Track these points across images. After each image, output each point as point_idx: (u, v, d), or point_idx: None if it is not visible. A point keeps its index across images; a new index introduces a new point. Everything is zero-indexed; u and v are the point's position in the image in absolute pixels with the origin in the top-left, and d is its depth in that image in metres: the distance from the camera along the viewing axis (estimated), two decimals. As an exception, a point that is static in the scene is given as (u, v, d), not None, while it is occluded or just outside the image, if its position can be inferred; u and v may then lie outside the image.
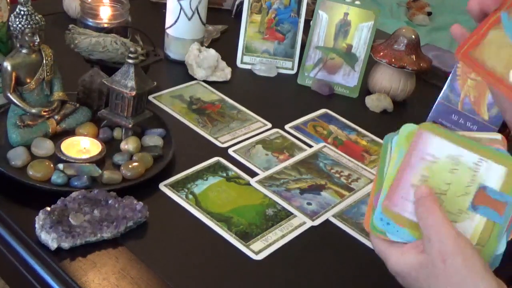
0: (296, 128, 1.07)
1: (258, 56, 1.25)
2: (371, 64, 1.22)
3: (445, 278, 0.55)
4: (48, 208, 0.73)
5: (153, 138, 0.91)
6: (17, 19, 0.84)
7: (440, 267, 0.55)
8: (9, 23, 0.85)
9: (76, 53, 1.03)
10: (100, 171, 0.82)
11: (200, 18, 1.18)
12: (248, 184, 0.90)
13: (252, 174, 0.92)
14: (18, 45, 0.86)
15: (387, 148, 0.62)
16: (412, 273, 0.58)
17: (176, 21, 1.17)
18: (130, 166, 0.83)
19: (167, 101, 1.07)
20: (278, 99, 1.18)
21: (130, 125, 0.89)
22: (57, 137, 0.87)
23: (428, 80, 1.33)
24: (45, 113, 0.87)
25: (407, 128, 0.61)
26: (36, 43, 0.85)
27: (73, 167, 0.81)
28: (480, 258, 0.56)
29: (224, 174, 0.91)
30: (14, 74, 0.85)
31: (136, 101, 0.89)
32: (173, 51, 1.20)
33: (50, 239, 0.70)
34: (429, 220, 0.57)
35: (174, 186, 0.86)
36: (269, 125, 1.06)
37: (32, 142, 0.84)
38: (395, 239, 0.60)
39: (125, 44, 1.03)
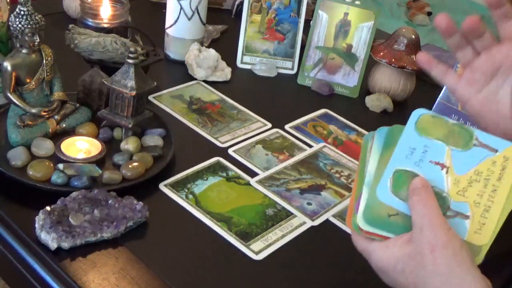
0: (296, 128, 1.07)
1: (258, 56, 1.25)
2: (371, 64, 1.22)
3: (433, 268, 0.55)
4: (48, 208, 0.73)
5: (153, 138, 0.91)
6: (17, 19, 0.84)
7: (428, 257, 0.55)
8: (9, 23, 0.85)
9: (76, 53, 1.03)
10: (100, 171, 0.82)
11: (200, 18, 1.18)
12: (248, 184, 0.90)
13: (252, 174, 0.92)
14: (18, 45, 0.86)
15: (368, 145, 0.64)
16: (398, 265, 0.57)
17: (176, 21, 1.17)
18: (130, 166, 0.83)
19: (167, 101, 1.07)
20: (278, 99, 1.18)
21: (130, 125, 0.89)
22: (57, 137, 0.87)
23: (428, 80, 1.32)
24: (45, 113, 0.87)
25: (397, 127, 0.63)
26: (36, 43, 0.85)
27: (73, 167, 0.81)
28: (468, 252, 0.56)
29: (224, 174, 0.91)
30: (14, 74, 0.85)
31: (136, 101, 0.89)
32: (173, 51, 1.20)
33: (50, 239, 0.70)
34: (423, 210, 0.57)
35: (174, 186, 0.86)
36: (269, 125, 1.06)
37: (32, 142, 0.84)
38: (386, 234, 0.60)
39: (125, 44, 1.03)
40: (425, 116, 0.63)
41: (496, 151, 0.62)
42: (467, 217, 0.59)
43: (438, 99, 1.14)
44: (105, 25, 1.13)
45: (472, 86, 0.68)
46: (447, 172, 0.61)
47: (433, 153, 0.61)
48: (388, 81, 1.20)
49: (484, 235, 0.59)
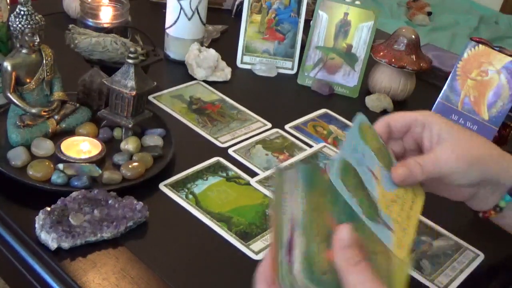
0: (296, 128, 1.07)
1: (258, 56, 1.25)
2: (371, 64, 1.22)
3: None
4: (48, 208, 0.73)
5: (153, 138, 0.91)
6: (17, 19, 0.84)
7: None
8: (9, 23, 0.85)
9: (76, 53, 1.03)
10: (100, 171, 0.82)
11: (200, 18, 1.18)
12: (248, 184, 0.90)
13: (252, 174, 0.92)
14: (18, 45, 0.86)
15: (286, 180, 0.54)
16: None
17: (176, 21, 1.17)
18: (130, 166, 0.83)
19: (167, 101, 1.07)
20: (278, 99, 1.18)
21: (130, 125, 0.89)
22: (57, 137, 0.87)
23: (428, 80, 1.33)
24: (45, 113, 0.87)
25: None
26: (36, 43, 0.85)
27: (73, 167, 0.81)
28: None
29: (224, 174, 0.91)
30: (14, 74, 0.85)
31: (136, 101, 0.89)
32: (173, 51, 1.20)
33: (50, 239, 0.70)
34: (360, 277, 0.48)
35: (174, 186, 0.86)
36: (269, 125, 1.06)
37: (32, 142, 0.84)
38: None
39: (125, 44, 1.03)
40: (365, 124, 0.64)
41: None
42: (391, 229, 0.58)
43: (438, 99, 1.14)
44: (105, 25, 1.13)
45: None
46: (377, 182, 0.60)
47: (368, 160, 0.61)
48: (388, 81, 1.20)
49: (404, 253, 0.57)
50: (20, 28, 0.83)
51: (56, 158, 0.83)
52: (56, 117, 0.89)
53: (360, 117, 0.64)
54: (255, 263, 0.76)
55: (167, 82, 1.13)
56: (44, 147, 0.84)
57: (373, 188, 0.59)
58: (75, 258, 0.71)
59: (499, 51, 1.08)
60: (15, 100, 0.86)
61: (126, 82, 0.87)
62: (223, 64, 1.18)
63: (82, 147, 0.86)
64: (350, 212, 0.56)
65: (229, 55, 1.22)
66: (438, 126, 0.66)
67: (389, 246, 0.56)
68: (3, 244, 0.75)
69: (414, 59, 1.17)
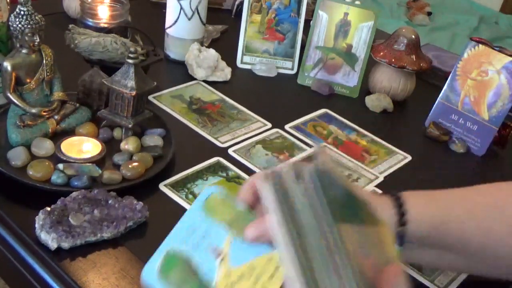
0: (296, 128, 1.07)
1: (258, 56, 1.25)
2: (371, 64, 1.22)
3: None
4: (48, 208, 0.73)
5: (153, 138, 0.91)
6: (17, 19, 0.84)
7: None
8: (9, 23, 0.85)
9: (76, 53, 1.03)
10: (100, 171, 0.82)
11: (200, 18, 1.18)
12: (248, 184, 0.89)
13: (252, 174, 0.92)
14: (18, 45, 0.86)
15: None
16: None
17: (176, 21, 1.17)
18: (130, 166, 0.83)
19: (167, 101, 1.07)
20: (278, 99, 1.18)
21: (130, 125, 0.89)
22: (57, 137, 0.87)
23: (428, 80, 1.33)
24: (45, 113, 0.87)
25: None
26: (36, 43, 0.85)
27: (73, 167, 0.81)
28: None
29: (224, 174, 0.91)
30: (14, 74, 0.85)
31: (136, 101, 0.89)
32: (173, 51, 1.20)
33: (50, 239, 0.70)
34: None
35: (174, 186, 0.86)
36: (269, 125, 1.06)
37: (32, 142, 0.84)
38: None
39: (125, 44, 1.03)
40: (215, 196, 0.58)
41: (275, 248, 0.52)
42: None
43: (438, 99, 1.14)
44: (105, 25, 1.13)
45: None
46: (222, 260, 0.54)
47: (214, 238, 0.55)
48: (388, 81, 1.20)
49: None
50: (20, 28, 0.83)
51: (56, 158, 0.83)
52: (56, 117, 0.89)
53: (206, 191, 0.59)
54: (255, 263, 0.76)
55: (167, 82, 1.13)
56: (44, 147, 0.84)
57: (213, 271, 0.54)
58: (75, 258, 0.71)
59: (499, 51, 1.08)
60: (15, 100, 0.86)
61: (126, 82, 0.87)
62: (223, 64, 1.18)
63: (82, 147, 0.86)
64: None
65: (229, 55, 1.22)
66: None
67: None
68: (3, 244, 0.75)
69: (414, 59, 1.17)
